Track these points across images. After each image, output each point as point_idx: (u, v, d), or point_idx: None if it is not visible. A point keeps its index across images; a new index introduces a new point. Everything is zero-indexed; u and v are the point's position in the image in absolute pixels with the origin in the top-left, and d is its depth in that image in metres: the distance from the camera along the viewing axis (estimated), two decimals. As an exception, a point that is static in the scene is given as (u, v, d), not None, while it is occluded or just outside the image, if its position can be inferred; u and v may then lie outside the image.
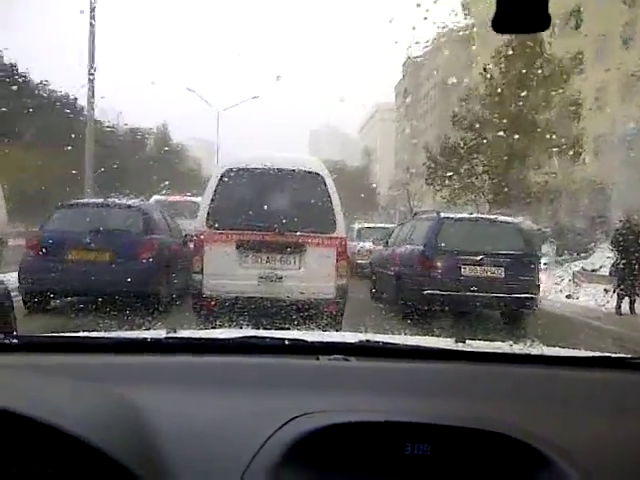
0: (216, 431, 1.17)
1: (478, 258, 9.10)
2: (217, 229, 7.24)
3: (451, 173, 22.07)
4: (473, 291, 8.78)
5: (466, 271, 9.14)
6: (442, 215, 10.14)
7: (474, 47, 39.73)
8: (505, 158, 20.56)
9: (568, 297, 14.09)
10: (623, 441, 1.24)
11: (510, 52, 20.07)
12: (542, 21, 0.82)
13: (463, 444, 1.19)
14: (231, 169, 7.45)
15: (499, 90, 20.62)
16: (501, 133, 20.17)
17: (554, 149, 20.26)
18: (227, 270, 7.14)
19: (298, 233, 7.17)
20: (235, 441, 1.13)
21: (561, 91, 20.22)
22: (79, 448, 0.98)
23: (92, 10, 13.98)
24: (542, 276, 12.62)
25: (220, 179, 7.37)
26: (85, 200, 10.38)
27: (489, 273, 9.15)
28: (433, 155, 23.39)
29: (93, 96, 14.83)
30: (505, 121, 20.11)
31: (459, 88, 32.61)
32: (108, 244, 8.63)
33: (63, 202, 10.01)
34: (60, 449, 0.98)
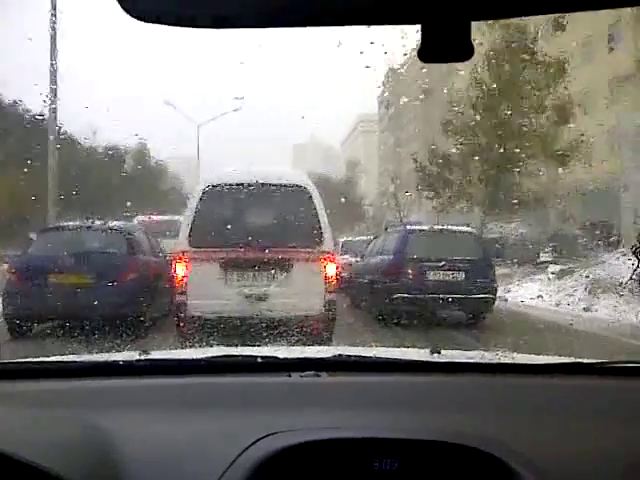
0: (184, 454, 1.16)
1: (441, 264, 10.10)
2: (200, 248, 7.03)
3: (443, 182, 21.80)
4: (437, 293, 9.82)
5: (430, 275, 10.15)
6: (409, 227, 11.70)
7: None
8: (498, 164, 20.31)
9: (586, 310, 12.77)
10: (594, 448, 1.24)
11: (499, 56, 19.88)
12: (466, 51, 0.85)
13: (432, 458, 1.18)
14: (213, 185, 7.25)
15: (490, 95, 20.38)
16: (494, 139, 19.93)
17: (549, 153, 19.99)
18: (211, 290, 6.93)
19: (284, 249, 6.97)
20: (202, 463, 1.13)
21: (552, 94, 19.97)
22: (41, 478, 0.95)
23: (53, 27, 13.70)
24: (553, 286, 12.16)
25: (202, 196, 7.17)
26: (68, 223, 10.34)
27: (451, 277, 10.19)
28: (422, 165, 23.09)
29: (55, 115, 14.51)
30: (497, 126, 19.90)
31: (442, 97, 32.50)
32: (91, 267, 8.62)
33: (46, 226, 10.03)
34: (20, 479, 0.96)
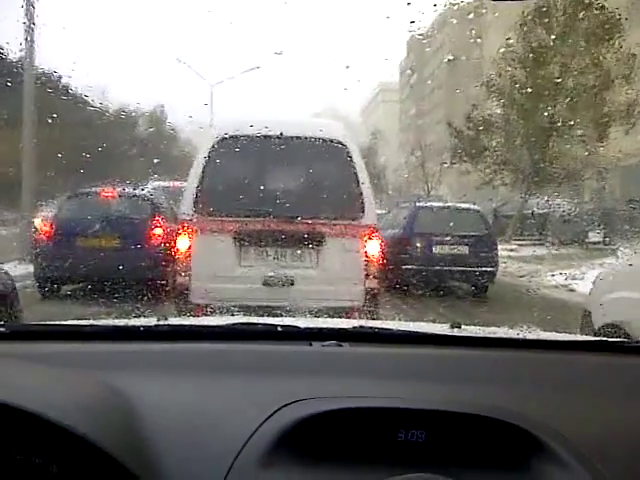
0: (207, 419, 1.15)
1: (447, 238, 10.97)
2: (208, 215, 5.60)
3: (482, 149, 19.99)
4: (443, 265, 10.65)
5: (437, 249, 10.99)
6: (418, 204, 12.92)
7: (485, 18, 37.78)
8: (544, 130, 18.42)
9: None
10: (620, 425, 1.23)
11: (550, 6, 17.94)
12: None
13: (458, 430, 1.16)
14: (227, 136, 5.77)
15: (539, 51, 18.49)
16: (541, 100, 18.09)
17: (600, 119, 18.10)
18: (222, 270, 5.49)
19: (315, 221, 5.59)
20: (226, 429, 1.13)
21: (607, 53, 18.03)
22: (65, 437, 0.97)
23: None
24: (628, 278, 11.12)
25: (212, 149, 5.69)
26: (95, 189, 10.66)
27: (456, 251, 10.99)
28: (458, 129, 21.14)
29: (32, 61, 13.66)
30: (546, 87, 17.98)
31: (468, 64, 30.83)
32: (118, 231, 9.16)
33: (75, 191, 10.73)
34: (46, 438, 0.97)
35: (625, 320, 3.60)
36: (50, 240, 9.25)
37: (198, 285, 5.47)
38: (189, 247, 5.54)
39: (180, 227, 5.77)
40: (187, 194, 5.70)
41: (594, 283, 4.72)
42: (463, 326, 1.74)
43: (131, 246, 8.90)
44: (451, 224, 11.11)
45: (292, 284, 5.51)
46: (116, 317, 2.41)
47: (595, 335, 3.86)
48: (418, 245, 11.02)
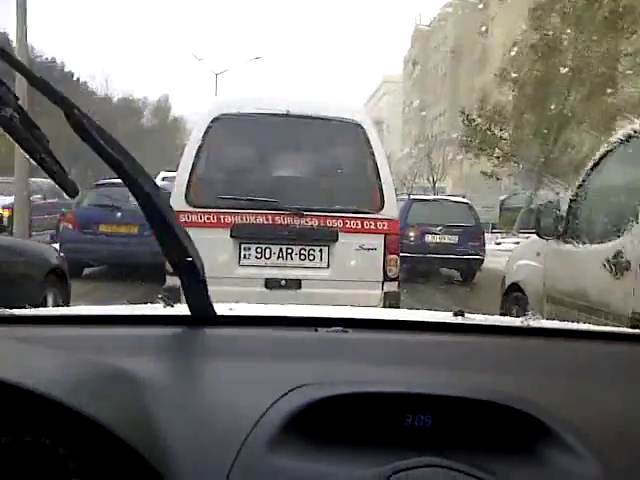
0: (213, 403, 1.12)
1: (438, 229, 12.16)
2: (203, 207, 4.84)
3: (492, 139, 19.34)
4: (435, 253, 11.89)
5: (429, 239, 12.20)
6: (412, 197, 13.88)
7: (490, 9, 37.13)
8: (559, 120, 17.71)
9: None
10: (629, 412, 1.19)
11: None
12: None
13: (465, 415, 1.12)
14: (224, 116, 4.97)
15: (557, 37, 17.78)
16: (553, 91, 17.39)
17: (616, 110, 17.40)
18: (218, 270, 4.69)
19: (326, 213, 4.87)
20: (233, 413, 1.09)
21: (628, 41, 17.28)
22: (74, 419, 0.94)
23: None
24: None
25: (208, 130, 4.91)
26: (115, 180, 10.46)
27: (446, 240, 12.22)
28: (470, 118, 20.46)
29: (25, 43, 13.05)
30: (562, 76, 17.27)
31: (472, 55, 30.20)
32: (136, 219, 9.69)
33: (96, 181, 11.79)
34: (54, 420, 0.96)
35: (522, 279, 5.21)
36: (74, 226, 10.34)
37: None
38: None
39: None
40: (178, 183, 4.93)
41: (510, 255, 6.15)
42: (466, 314, 1.72)
43: (147, 232, 9.54)
44: (442, 216, 12.31)
45: (299, 287, 4.78)
46: (127, 302, 2.35)
47: (504, 292, 5.48)
48: (412, 235, 11.95)
